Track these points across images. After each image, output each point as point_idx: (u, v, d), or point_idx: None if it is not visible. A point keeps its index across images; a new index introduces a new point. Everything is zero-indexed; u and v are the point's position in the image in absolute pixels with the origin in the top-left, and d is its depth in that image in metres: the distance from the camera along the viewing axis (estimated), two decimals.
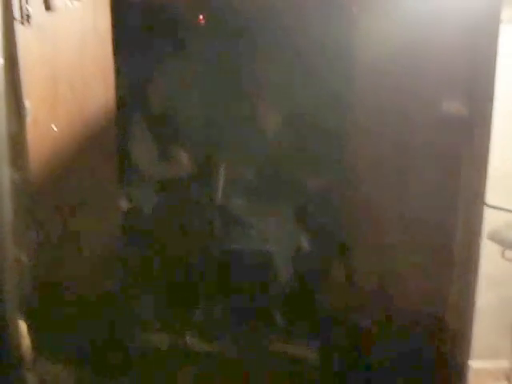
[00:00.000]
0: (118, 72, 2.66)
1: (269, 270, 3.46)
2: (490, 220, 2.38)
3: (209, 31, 3.35)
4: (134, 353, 2.98)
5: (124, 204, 3.26)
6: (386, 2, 2.46)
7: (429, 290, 2.55)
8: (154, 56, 3.29)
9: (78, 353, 2.54)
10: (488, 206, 2.35)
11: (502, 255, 2.36)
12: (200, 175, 3.51)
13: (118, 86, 2.68)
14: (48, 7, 2.25)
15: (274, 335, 3.25)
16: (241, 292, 3.37)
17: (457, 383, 2.50)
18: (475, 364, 2.53)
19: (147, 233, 3.37)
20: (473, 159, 2.33)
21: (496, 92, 2.29)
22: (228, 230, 3.49)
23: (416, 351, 2.61)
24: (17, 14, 2.12)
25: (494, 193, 2.36)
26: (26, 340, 2.22)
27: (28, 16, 2.16)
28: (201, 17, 3.33)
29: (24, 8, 2.15)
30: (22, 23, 2.15)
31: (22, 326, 2.20)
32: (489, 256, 2.42)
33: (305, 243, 3.49)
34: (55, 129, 2.38)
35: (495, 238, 2.36)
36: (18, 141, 2.19)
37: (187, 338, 3.21)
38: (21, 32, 2.11)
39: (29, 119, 2.20)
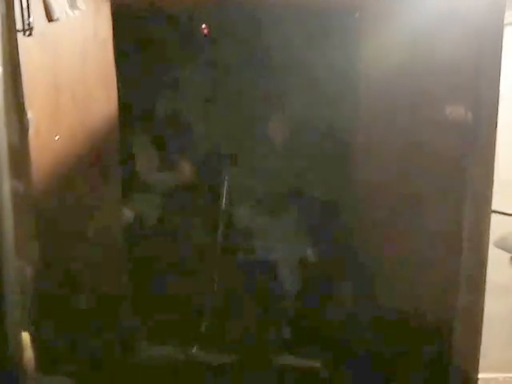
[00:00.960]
0: (120, 81, 2.65)
1: (274, 280, 3.44)
2: (497, 227, 2.35)
3: (212, 40, 3.35)
4: (139, 365, 2.97)
5: (127, 214, 3.25)
6: (388, 6, 2.44)
7: (436, 300, 2.51)
8: (157, 64, 3.29)
9: (81, 365, 2.52)
10: (495, 212, 2.32)
11: (511, 262, 2.33)
12: (204, 185, 3.50)
13: (120, 95, 2.67)
14: (50, 17, 2.25)
15: (280, 347, 3.22)
16: (246, 303, 3.35)
17: None
18: (484, 376, 2.48)
19: (151, 242, 3.36)
20: (478, 164, 2.29)
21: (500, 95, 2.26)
22: (233, 240, 3.47)
23: (425, 363, 2.58)
24: (19, 24, 2.12)
25: (500, 199, 2.33)
26: (28, 352, 2.20)
27: (30, 27, 2.16)
28: (204, 26, 3.33)
29: (26, 19, 2.14)
30: (24, 34, 2.14)
31: (25, 337, 2.18)
32: (496, 264, 2.39)
33: (311, 253, 3.46)
34: (57, 139, 2.38)
35: (503, 245, 2.33)
36: (19, 151, 2.18)
37: (192, 350, 3.19)
38: (22, 41, 2.11)
39: (31, 129, 2.19)
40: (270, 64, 3.33)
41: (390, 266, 2.71)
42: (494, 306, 2.43)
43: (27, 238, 2.25)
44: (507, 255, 2.36)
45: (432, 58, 2.40)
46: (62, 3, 2.31)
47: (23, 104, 2.13)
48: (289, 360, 3.14)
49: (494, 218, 2.34)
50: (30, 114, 2.16)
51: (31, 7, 2.12)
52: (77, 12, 2.37)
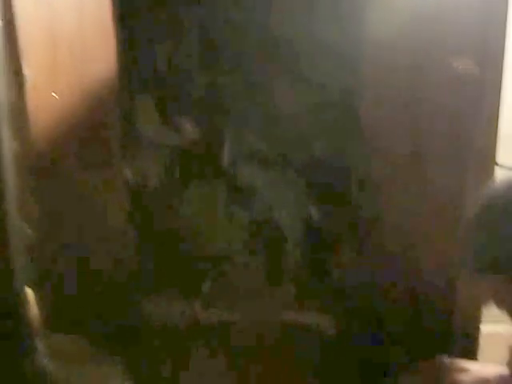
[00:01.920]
0: (119, 35, 2.60)
1: (277, 239, 3.44)
2: None
3: None
4: (144, 323, 2.99)
5: (129, 173, 3.23)
6: None
7: (439, 256, 2.51)
8: (157, 19, 3.23)
9: (88, 323, 2.54)
10: (499, 165, 2.31)
11: None
12: (206, 142, 3.47)
13: (119, 50, 2.62)
14: None
15: (285, 305, 3.24)
16: (250, 262, 3.36)
17: (468, 348, 2.47)
18: (486, 328, 2.50)
19: (153, 203, 3.35)
20: (483, 118, 2.28)
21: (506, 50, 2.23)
22: (235, 198, 3.46)
23: (428, 318, 2.59)
24: None
25: (505, 153, 2.31)
26: (34, 309, 2.22)
27: None
28: None
29: None
30: None
31: (30, 294, 2.20)
32: None
33: (315, 212, 3.46)
34: (56, 96, 2.35)
35: None
36: (16, 109, 2.16)
37: (196, 308, 3.21)
38: None
39: (28, 86, 2.17)
40: (274, 23, 3.28)
41: (394, 226, 2.69)
42: None
43: (27, 199, 2.25)
44: None
45: (438, 11, 2.36)
46: None
47: (20, 60, 2.11)
48: (294, 317, 3.16)
49: (498, 171, 2.33)
50: (26, 71, 2.14)
51: None
52: None
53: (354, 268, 3.03)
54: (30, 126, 2.25)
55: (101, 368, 2.50)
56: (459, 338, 2.50)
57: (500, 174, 2.32)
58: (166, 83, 3.37)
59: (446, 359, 1.24)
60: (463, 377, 1.19)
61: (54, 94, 2.35)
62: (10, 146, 2.10)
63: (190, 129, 3.43)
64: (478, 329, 2.48)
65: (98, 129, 2.61)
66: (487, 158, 2.33)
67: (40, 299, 2.24)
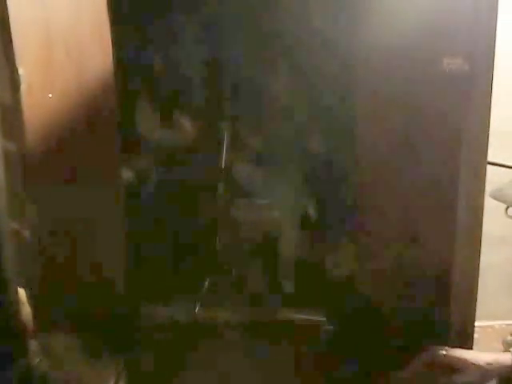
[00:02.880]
0: (115, 33, 2.60)
1: (275, 238, 3.44)
2: (493, 178, 2.35)
3: None
4: (140, 325, 2.99)
5: (126, 173, 3.24)
6: None
7: (432, 251, 2.52)
8: (155, 13, 3.23)
9: (82, 322, 2.54)
10: (490, 163, 2.32)
11: (506, 213, 2.34)
12: (204, 141, 3.48)
13: (116, 49, 2.62)
14: None
15: (282, 304, 3.24)
16: (247, 261, 3.36)
17: (462, 343, 2.48)
18: (481, 324, 2.51)
19: (150, 202, 3.35)
20: (474, 116, 2.29)
21: (496, 48, 2.26)
22: (233, 197, 3.46)
23: (424, 313, 2.60)
24: None
25: (496, 150, 2.33)
26: (26, 307, 2.22)
27: None
28: None
29: None
30: None
31: (22, 293, 2.20)
32: (492, 215, 2.40)
33: (312, 210, 3.46)
34: (50, 96, 2.35)
35: (499, 196, 2.34)
36: (11, 109, 2.16)
37: (195, 309, 3.21)
38: None
39: (23, 87, 2.17)
40: (271, 21, 3.29)
41: (390, 220, 2.71)
42: (489, 256, 2.45)
43: (21, 200, 2.25)
44: (503, 206, 2.38)
45: (428, 8, 2.37)
46: None
47: (14, 59, 2.10)
48: (292, 315, 3.17)
49: (489, 169, 2.35)
50: (21, 71, 2.14)
51: None
52: None
53: (352, 265, 3.04)
54: (26, 127, 2.25)
55: (95, 368, 2.50)
56: (454, 332, 2.50)
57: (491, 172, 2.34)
58: (163, 83, 3.38)
59: (442, 348, 1.24)
60: (459, 365, 1.18)
61: (49, 94, 2.35)
62: (2, 146, 2.11)
63: (188, 129, 3.44)
64: (472, 323, 2.50)
65: (94, 129, 2.61)
66: (479, 156, 2.34)
67: (33, 299, 2.24)
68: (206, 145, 3.51)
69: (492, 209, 2.38)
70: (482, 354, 1.25)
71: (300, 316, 3.18)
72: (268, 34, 3.37)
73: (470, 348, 2.49)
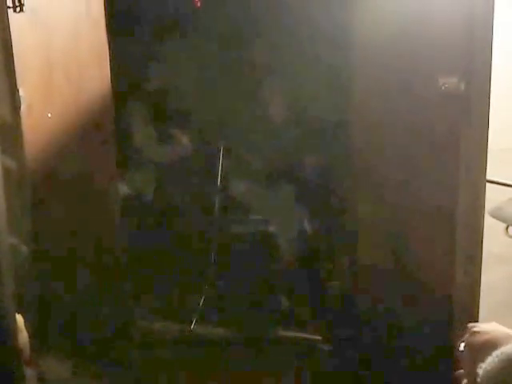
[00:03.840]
0: (113, 56, 2.63)
1: (271, 253, 3.44)
2: (492, 197, 2.35)
3: (206, 13, 3.31)
4: (136, 343, 2.98)
5: (124, 189, 3.25)
6: None
7: (432, 270, 2.52)
8: (150, 38, 3.27)
9: (79, 346, 2.53)
10: (490, 182, 2.32)
11: (506, 232, 2.33)
12: (200, 157, 3.50)
13: (114, 71, 2.65)
14: None
15: (277, 320, 3.23)
16: (243, 275, 3.35)
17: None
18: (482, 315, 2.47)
19: (147, 217, 3.36)
20: (472, 134, 2.29)
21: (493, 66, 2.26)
22: (229, 213, 3.47)
23: (425, 332, 2.59)
24: (9, 1, 2.11)
25: (494, 169, 2.32)
26: (23, 334, 2.19)
27: (21, 3, 2.14)
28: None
29: None
30: (15, 10, 2.13)
31: (19, 319, 2.18)
32: (492, 233, 2.39)
33: (307, 224, 3.47)
34: (50, 116, 2.37)
35: (498, 215, 2.33)
36: (11, 128, 2.18)
37: (191, 324, 3.20)
38: (13, 18, 2.09)
39: (23, 107, 2.19)
40: (264, 35, 3.31)
41: (387, 237, 2.70)
42: (489, 275, 2.44)
43: (21, 216, 2.25)
44: (502, 225, 2.37)
45: (423, 28, 2.38)
46: None
47: (15, 81, 2.13)
48: (288, 333, 3.16)
49: (488, 187, 2.35)
50: (21, 92, 2.16)
51: None
52: None
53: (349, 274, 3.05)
54: (25, 146, 2.26)
55: None
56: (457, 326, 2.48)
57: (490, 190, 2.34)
58: (160, 101, 3.41)
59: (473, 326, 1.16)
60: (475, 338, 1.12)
61: (48, 114, 2.36)
62: (2, 164, 2.11)
63: (185, 144, 3.47)
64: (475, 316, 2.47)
65: (92, 148, 2.62)
66: (477, 174, 2.34)
67: (29, 324, 2.22)
68: (203, 161, 3.54)
69: (491, 227, 2.38)
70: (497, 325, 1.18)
71: (297, 334, 3.18)
72: (262, 52, 3.42)
73: None
